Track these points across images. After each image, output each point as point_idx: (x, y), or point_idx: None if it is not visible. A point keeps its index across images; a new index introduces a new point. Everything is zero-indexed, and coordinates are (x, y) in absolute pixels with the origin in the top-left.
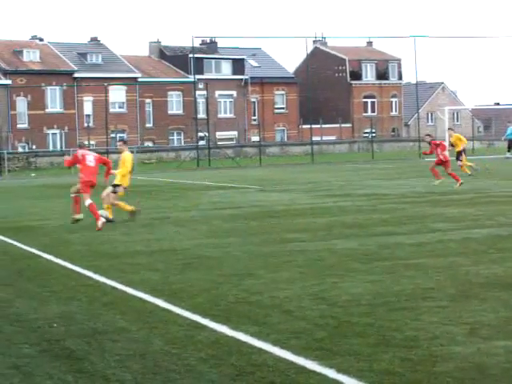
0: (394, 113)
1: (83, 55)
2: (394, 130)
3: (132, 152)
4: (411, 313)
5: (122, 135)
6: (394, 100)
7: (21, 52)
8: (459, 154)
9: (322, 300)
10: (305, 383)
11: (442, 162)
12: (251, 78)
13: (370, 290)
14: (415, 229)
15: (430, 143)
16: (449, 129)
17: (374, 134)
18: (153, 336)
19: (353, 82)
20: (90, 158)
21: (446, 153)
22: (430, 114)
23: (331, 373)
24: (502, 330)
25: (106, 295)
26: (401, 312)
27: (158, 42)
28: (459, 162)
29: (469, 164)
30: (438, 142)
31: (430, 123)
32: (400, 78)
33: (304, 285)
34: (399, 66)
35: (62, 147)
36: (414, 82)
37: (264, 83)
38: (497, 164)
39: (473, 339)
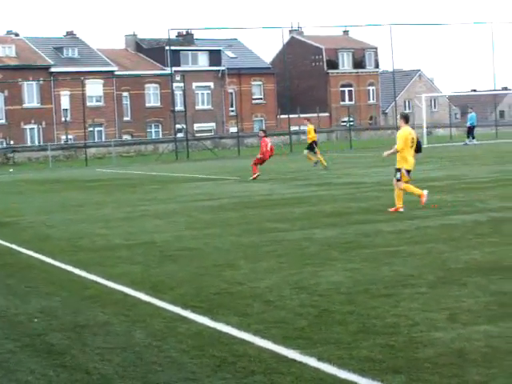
0: (371, 101)
1: (59, 49)
2: (371, 119)
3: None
4: (391, 300)
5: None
6: (371, 88)
7: None
8: (311, 144)
9: (302, 289)
10: (286, 372)
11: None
12: (228, 69)
13: (350, 278)
14: (394, 216)
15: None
16: (307, 119)
17: (351, 123)
18: (134, 329)
19: (330, 70)
20: None
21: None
22: (407, 102)
23: (312, 361)
24: (481, 314)
25: (87, 289)
26: (381, 299)
27: (134, 34)
28: (305, 152)
29: (312, 158)
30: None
31: (407, 111)
32: (377, 66)
33: (284, 274)
34: (376, 55)
35: (39, 142)
36: (391, 70)
37: (241, 74)
38: (471, 150)
39: (453, 325)
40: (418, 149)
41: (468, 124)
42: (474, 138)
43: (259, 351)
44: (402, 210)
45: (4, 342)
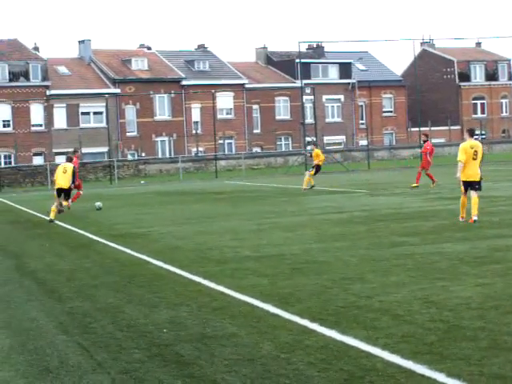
0: (504, 114)
1: (190, 63)
2: (504, 132)
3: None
4: None
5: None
6: (504, 101)
7: (129, 61)
8: (316, 167)
9: (432, 304)
10: None
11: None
12: (358, 81)
13: (481, 293)
14: None
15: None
16: (313, 143)
17: (483, 136)
18: (262, 341)
19: (462, 83)
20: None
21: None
22: None
23: (441, 377)
24: None
25: (215, 300)
26: None
27: (265, 47)
28: (307, 173)
29: (310, 181)
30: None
31: None
32: (510, 78)
33: (413, 288)
34: (509, 67)
35: (170, 154)
36: None
37: (371, 87)
38: None
39: None
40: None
41: None
42: None
43: (387, 366)
44: (461, 220)
45: (133, 352)
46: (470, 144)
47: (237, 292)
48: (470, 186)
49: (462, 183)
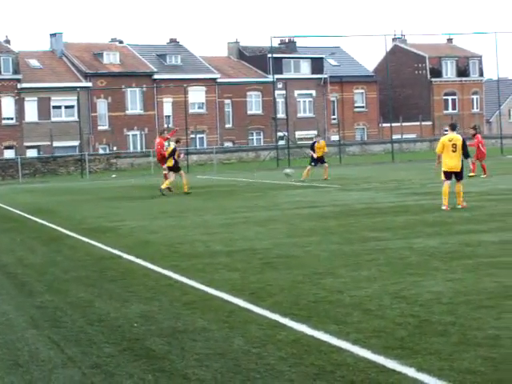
0: (475, 110)
1: (162, 57)
2: (475, 127)
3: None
4: (493, 311)
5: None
6: (475, 97)
7: (101, 54)
8: (322, 158)
9: (403, 299)
10: (385, 382)
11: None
12: (330, 77)
13: (451, 288)
14: (498, 227)
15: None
16: (318, 135)
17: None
18: (233, 335)
19: (433, 79)
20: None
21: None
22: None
23: (411, 372)
24: None
25: (186, 295)
26: (483, 310)
27: (237, 42)
28: (325, 164)
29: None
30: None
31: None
32: (481, 74)
33: (384, 283)
34: (480, 63)
35: (142, 148)
36: (496, 79)
37: (343, 82)
38: None
39: None
40: (465, 154)
41: None
42: None
43: (358, 360)
44: (444, 208)
45: (104, 346)
46: (448, 137)
47: (208, 286)
48: (452, 176)
49: (442, 173)
